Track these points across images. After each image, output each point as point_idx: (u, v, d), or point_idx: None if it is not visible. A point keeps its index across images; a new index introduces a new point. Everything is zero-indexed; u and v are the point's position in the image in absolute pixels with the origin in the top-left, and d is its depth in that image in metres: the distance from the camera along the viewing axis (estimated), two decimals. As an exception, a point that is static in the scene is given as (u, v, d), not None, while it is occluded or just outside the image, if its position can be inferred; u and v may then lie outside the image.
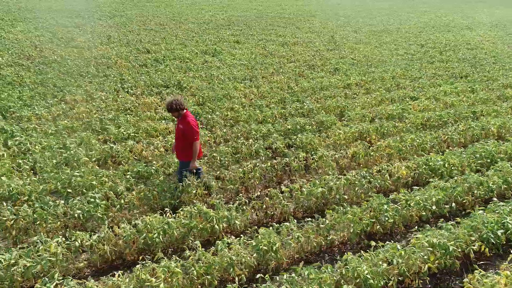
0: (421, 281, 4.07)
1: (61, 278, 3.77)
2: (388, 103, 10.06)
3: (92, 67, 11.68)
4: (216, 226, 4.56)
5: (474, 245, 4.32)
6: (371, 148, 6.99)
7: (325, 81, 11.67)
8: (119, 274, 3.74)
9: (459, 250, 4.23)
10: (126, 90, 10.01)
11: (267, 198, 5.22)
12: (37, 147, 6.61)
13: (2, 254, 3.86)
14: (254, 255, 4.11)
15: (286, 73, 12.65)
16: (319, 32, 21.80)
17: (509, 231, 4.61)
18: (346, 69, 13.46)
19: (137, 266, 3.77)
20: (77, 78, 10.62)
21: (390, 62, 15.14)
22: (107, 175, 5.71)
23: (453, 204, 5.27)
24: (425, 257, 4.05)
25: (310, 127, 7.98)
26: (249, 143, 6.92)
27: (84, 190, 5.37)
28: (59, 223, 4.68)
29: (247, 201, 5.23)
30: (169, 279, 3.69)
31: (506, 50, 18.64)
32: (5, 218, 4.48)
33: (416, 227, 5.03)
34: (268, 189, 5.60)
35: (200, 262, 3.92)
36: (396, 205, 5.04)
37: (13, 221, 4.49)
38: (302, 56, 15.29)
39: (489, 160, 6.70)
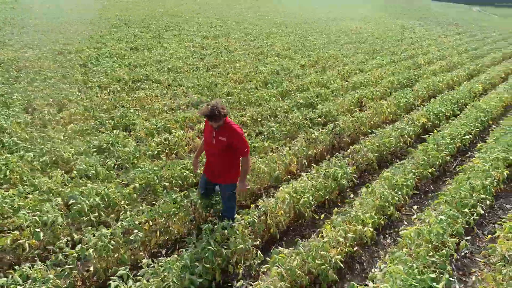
0: None
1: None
2: (352, 75, 11.44)
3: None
4: None
5: None
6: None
7: (286, 64, 12.37)
8: None
9: None
10: (100, 87, 8.73)
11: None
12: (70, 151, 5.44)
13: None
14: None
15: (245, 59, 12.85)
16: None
17: None
18: (289, 55, 14.42)
19: None
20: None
21: (318, 47, 16.80)
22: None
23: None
24: None
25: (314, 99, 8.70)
26: (293, 116, 7.17)
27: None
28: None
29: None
30: None
31: (385, 34, 22.71)
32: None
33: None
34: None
35: None
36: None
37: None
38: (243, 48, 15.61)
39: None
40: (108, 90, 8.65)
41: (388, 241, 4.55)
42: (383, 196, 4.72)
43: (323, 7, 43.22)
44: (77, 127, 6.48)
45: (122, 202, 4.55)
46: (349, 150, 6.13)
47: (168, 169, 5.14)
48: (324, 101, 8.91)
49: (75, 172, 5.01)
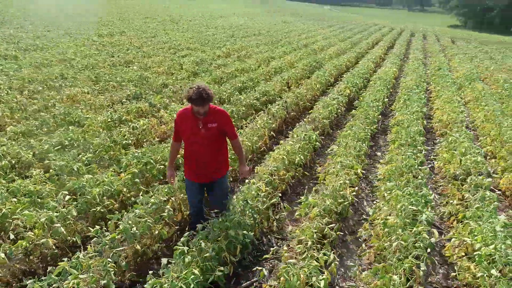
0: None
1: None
2: (268, 61, 12.32)
3: None
4: None
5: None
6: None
7: (202, 56, 12.55)
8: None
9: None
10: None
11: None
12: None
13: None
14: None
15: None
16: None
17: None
18: (199, 48, 14.56)
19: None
20: None
21: (221, 40, 17.23)
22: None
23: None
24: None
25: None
26: (244, 97, 7.58)
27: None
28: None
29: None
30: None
31: (272, 27, 24.51)
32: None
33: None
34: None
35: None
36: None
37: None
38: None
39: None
40: (28, 91, 7.63)
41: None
42: (355, 147, 5.54)
43: (201, 6, 44.00)
44: (18, 128, 5.68)
45: (125, 190, 4.34)
46: (308, 118, 6.85)
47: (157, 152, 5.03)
48: (257, 83, 9.49)
49: (52, 170, 4.51)
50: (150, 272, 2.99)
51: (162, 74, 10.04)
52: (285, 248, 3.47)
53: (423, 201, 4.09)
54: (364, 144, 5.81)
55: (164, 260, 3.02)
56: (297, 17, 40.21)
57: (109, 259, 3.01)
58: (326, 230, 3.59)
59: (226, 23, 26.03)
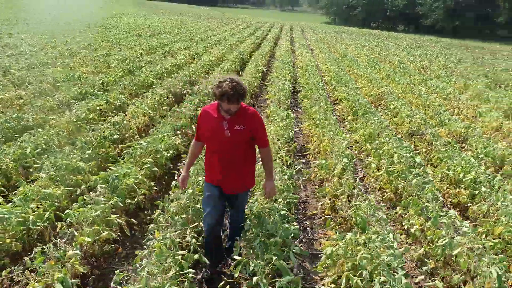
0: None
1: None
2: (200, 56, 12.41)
3: None
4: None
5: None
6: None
7: (125, 54, 11.91)
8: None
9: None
10: None
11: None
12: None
13: None
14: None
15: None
16: None
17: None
18: (113, 47, 13.68)
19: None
20: None
21: (131, 40, 16.39)
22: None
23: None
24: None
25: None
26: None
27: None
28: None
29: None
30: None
31: (173, 26, 24.06)
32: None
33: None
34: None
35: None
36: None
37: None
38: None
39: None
40: None
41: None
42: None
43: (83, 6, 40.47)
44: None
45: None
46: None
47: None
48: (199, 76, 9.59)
49: (52, 172, 4.06)
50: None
51: (91, 73, 9.32)
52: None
53: (410, 149, 4.97)
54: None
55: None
56: (187, 16, 40.13)
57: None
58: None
59: (121, 23, 24.65)
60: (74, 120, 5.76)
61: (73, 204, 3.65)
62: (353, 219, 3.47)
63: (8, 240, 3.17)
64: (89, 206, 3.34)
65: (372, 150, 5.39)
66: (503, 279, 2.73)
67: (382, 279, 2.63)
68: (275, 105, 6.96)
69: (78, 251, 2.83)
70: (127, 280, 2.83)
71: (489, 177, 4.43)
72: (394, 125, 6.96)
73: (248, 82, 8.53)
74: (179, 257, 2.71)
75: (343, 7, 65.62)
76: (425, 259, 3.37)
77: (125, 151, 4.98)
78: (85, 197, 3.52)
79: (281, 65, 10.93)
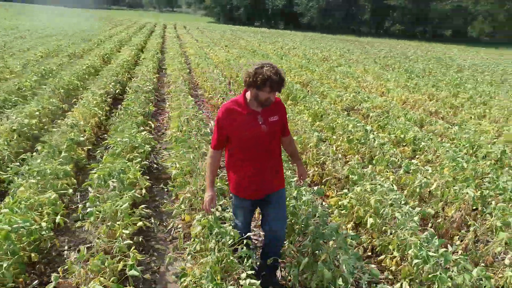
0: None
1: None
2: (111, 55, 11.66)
3: None
4: None
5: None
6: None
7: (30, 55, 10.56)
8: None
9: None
10: None
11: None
12: None
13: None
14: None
15: None
16: None
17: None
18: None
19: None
20: None
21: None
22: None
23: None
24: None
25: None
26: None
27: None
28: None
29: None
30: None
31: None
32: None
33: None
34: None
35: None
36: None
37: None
38: None
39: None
40: None
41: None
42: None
43: None
44: None
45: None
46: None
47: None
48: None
49: (34, 179, 3.68)
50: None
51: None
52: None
53: (358, 120, 5.82)
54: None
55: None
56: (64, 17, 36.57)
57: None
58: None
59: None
60: (16, 128, 5.11)
61: (81, 204, 3.45)
62: (350, 176, 4.05)
63: (22, 252, 2.86)
64: (110, 201, 3.20)
65: (326, 125, 6.10)
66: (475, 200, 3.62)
67: (397, 214, 3.24)
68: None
69: (130, 241, 2.77)
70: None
71: (424, 134, 5.53)
72: (328, 104, 7.87)
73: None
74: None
75: (227, 7, 67.51)
76: (408, 200, 4.15)
77: (98, 150, 4.72)
78: (97, 194, 3.34)
79: (202, 62, 11.09)
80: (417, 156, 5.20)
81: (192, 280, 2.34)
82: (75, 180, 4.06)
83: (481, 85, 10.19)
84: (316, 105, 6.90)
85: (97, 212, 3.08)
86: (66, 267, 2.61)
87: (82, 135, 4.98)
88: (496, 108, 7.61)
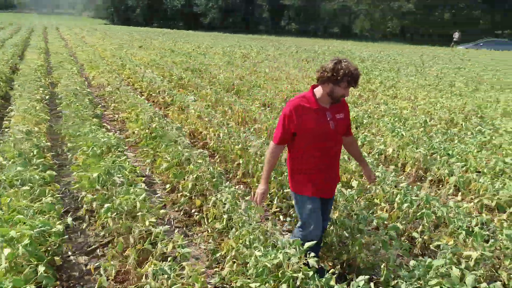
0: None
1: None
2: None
3: None
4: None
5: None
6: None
7: None
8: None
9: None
10: None
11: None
12: None
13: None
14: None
15: None
16: None
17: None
18: None
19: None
20: None
21: None
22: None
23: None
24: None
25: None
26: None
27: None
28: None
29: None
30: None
31: None
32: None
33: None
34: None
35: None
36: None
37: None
38: None
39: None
40: None
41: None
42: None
43: None
44: None
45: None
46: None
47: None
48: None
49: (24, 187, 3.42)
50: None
51: None
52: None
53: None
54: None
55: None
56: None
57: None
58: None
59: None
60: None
61: (85, 206, 3.36)
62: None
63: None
64: (121, 195, 3.18)
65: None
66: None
67: (377, 173, 3.89)
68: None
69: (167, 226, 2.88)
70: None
71: (362, 112, 6.44)
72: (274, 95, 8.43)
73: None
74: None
75: (121, 8, 64.01)
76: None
77: (70, 154, 4.47)
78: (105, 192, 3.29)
79: (128, 63, 10.71)
80: (362, 132, 6.05)
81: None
82: (58, 186, 3.86)
83: (384, 73, 11.90)
84: (263, 96, 7.39)
85: (125, 204, 3.06)
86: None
87: (44, 141, 4.63)
88: (404, 89, 9.09)
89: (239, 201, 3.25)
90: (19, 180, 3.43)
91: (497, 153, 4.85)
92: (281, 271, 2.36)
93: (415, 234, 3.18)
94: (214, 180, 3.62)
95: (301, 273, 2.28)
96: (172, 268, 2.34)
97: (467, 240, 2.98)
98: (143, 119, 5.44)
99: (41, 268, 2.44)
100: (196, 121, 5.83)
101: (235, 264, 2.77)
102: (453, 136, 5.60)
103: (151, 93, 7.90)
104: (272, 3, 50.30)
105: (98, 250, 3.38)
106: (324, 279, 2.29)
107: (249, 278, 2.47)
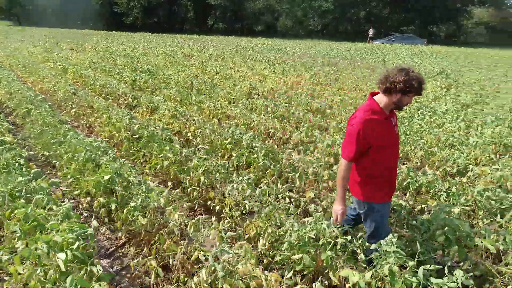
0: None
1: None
2: None
3: None
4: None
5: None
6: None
7: None
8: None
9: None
10: None
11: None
12: None
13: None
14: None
15: None
16: None
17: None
18: None
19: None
20: None
21: None
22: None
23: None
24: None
25: None
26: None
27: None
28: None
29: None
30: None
31: None
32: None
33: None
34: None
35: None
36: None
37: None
38: None
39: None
40: None
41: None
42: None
43: None
44: None
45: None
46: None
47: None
48: None
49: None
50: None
51: None
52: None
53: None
54: None
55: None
56: None
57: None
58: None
59: None
60: None
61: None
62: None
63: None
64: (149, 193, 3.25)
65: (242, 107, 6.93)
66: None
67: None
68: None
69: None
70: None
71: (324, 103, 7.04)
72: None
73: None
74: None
75: (29, 8, 58.29)
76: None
77: (56, 161, 4.29)
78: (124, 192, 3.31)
79: (70, 68, 10.08)
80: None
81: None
82: (60, 194, 3.74)
83: (324, 66, 12.84)
84: (227, 94, 7.62)
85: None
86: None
87: (24, 151, 4.36)
88: (346, 78, 10.02)
89: (253, 188, 3.53)
90: (23, 191, 3.28)
91: (443, 130, 5.75)
92: (321, 241, 2.71)
93: (402, 202, 3.75)
94: (224, 172, 3.82)
95: (340, 238, 2.66)
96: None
97: (447, 200, 3.63)
98: (123, 122, 5.34)
99: (94, 268, 2.47)
100: (172, 120, 5.87)
101: (266, 242, 3.04)
102: (403, 119, 6.45)
103: (108, 96, 7.64)
104: (197, 2, 49.96)
105: (115, 252, 3.41)
106: (360, 241, 2.69)
107: (283, 253, 2.76)
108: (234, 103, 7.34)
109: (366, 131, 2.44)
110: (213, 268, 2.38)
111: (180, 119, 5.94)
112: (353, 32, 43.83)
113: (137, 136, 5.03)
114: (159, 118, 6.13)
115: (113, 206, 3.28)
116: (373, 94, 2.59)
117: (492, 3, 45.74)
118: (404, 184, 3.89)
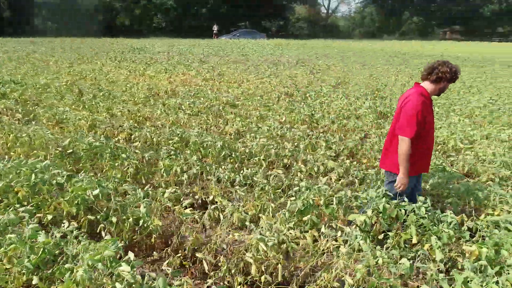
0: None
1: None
2: None
3: None
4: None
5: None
6: None
7: None
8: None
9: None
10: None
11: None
12: None
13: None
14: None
15: None
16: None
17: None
18: None
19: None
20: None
21: None
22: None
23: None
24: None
25: None
26: None
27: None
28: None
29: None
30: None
31: None
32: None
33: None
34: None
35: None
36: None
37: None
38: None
39: None
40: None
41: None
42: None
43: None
44: None
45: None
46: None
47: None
48: None
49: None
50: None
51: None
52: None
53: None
54: None
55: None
56: None
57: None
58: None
59: None
60: None
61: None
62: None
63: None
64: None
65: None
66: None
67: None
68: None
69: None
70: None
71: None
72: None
73: None
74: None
75: None
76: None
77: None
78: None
79: None
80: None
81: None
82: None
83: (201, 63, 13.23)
84: (131, 96, 7.32)
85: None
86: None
87: None
88: (227, 73, 10.72)
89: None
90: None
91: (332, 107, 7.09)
92: (321, 201, 3.26)
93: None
94: (201, 165, 3.97)
95: (345, 192, 3.29)
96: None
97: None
98: (44, 137, 4.68)
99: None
100: (94, 130, 5.44)
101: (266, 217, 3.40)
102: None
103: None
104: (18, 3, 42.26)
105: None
106: (362, 197, 3.33)
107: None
108: (143, 105, 7.10)
109: (424, 112, 2.87)
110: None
111: (100, 127, 5.54)
112: (198, 28, 44.72)
113: (70, 151, 4.52)
114: (74, 129, 5.54)
115: (113, 219, 3.09)
116: (419, 83, 3.04)
117: (308, 1, 54.05)
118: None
